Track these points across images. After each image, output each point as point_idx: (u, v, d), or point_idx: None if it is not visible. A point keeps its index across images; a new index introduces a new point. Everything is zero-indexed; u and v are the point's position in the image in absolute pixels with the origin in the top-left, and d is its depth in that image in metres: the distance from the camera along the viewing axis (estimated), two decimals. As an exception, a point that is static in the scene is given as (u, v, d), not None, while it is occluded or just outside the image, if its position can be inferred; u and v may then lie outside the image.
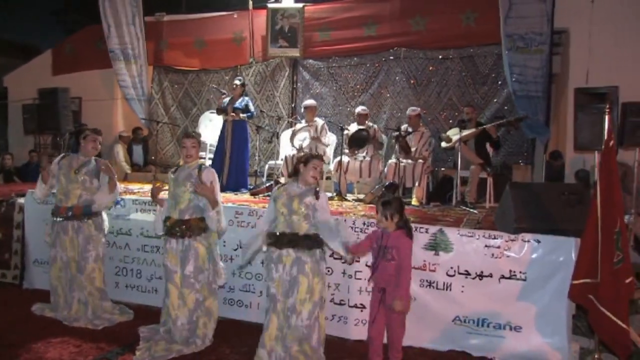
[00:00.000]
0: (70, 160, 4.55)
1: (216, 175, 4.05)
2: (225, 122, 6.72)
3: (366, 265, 4.04)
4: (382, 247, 3.48)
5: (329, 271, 4.23)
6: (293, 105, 8.44)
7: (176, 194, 3.97)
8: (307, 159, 3.66)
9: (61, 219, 4.46)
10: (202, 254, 3.98)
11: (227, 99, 6.72)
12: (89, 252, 4.45)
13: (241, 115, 6.64)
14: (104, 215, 4.63)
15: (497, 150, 6.75)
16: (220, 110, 6.76)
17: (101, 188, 4.52)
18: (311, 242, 3.51)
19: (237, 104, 6.65)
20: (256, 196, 5.85)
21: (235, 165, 6.61)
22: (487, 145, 6.29)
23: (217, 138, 6.84)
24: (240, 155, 6.64)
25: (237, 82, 6.77)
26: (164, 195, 4.13)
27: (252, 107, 6.72)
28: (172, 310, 3.95)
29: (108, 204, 4.60)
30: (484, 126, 6.10)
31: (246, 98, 6.74)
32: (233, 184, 6.51)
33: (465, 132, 6.03)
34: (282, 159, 6.91)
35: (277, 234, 3.55)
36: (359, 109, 6.96)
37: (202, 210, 3.97)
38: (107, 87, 9.57)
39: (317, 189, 3.61)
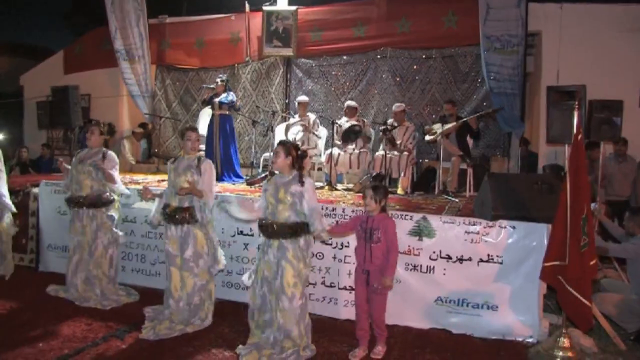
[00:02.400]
0: (82, 153, 4.60)
1: (213, 167, 4.05)
2: (212, 116, 6.73)
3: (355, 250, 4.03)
4: (368, 230, 3.48)
5: (320, 256, 4.25)
6: (287, 101, 8.38)
7: (176, 182, 3.96)
8: (275, 148, 3.63)
9: (76, 207, 4.48)
10: (200, 239, 3.97)
11: (212, 94, 6.71)
12: (99, 238, 4.46)
13: (228, 110, 6.68)
14: (117, 205, 4.62)
15: (477, 142, 6.75)
16: (206, 103, 6.79)
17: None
18: (295, 230, 3.47)
19: (222, 99, 6.64)
20: (252, 186, 5.86)
21: (224, 155, 6.60)
22: (467, 138, 6.29)
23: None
24: (228, 146, 6.64)
25: (218, 80, 6.76)
26: (155, 192, 4.16)
27: (234, 98, 6.72)
28: (175, 291, 3.96)
29: (117, 190, 4.59)
30: (465, 119, 6.09)
31: (230, 93, 6.73)
32: (225, 174, 6.52)
33: (447, 126, 6.01)
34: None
35: (264, 223, 3.55)
36: (348, 102, 6.94)
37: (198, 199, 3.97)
38: (113, 84, 9.49)
39: (302, 175, 3.58)
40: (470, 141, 6.37)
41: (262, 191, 3.69)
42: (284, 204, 3.47)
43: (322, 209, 4.28)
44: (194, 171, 3.93)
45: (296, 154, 3.58)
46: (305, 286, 3.57)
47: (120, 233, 4.60)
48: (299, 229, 3.47)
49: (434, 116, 7.38)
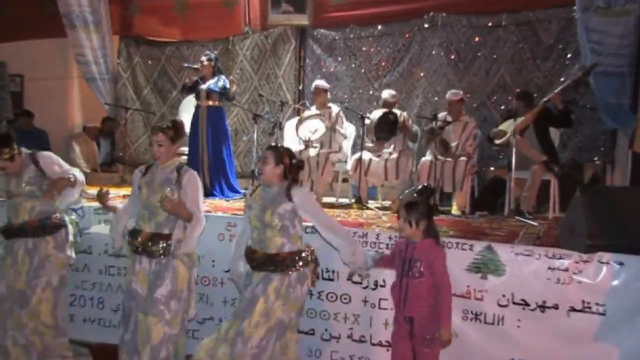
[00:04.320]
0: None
1: (198, 179, 4.08)
2: (198, 108, 6.79)
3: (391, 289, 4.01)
4: (407, 260, 3.52)
5: (345, 299, 4.29)
6: (300, 87, 8.44)
7: (150, 203, 3.97)
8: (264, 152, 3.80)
9: (12, 238, 4.45)
10: (182, 275, 3.99)
11: (197, 78, 6.78)
12: (39, 277, 4.39)
13: (220, 100, 6.78)
14: (70, 228, 4.62)
15: (568, 129, 6.58)
16: (188, 90, 6.85)
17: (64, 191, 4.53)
18: (286, 261, 3.64)
19: (211, 85, 6.71)
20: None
21: (214, 163, 6.68)
22: (552, 133, 6.21)
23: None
24: (220, 149, 6.72)
25: (204, 59, 6.80)
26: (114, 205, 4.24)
27: (227, 84, 6.78)
28: (142, 346, 3.94)
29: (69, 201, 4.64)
30: (545, 99, 6.02)
31: (222, 77, 6.80)
32: (216, 186, 6.59)
33: (519, 120, 5.96)
34: None
35: (249, 253, 3.74)
36: (387, 94, 6.94)
37: (182, 223, 4.01)
38: (59, 62, 9.50)
39: (291, 186, 3.70)
40: (555, 134, 6.27)
41: (246, 208, 3.82)
42: (272, 228, 3.61)
43: None
44: (174, 187, 3.97)
45: (290, 162, 3.73)
46: (279, 339, 3.66)
47: (73, 255, 4.59)
48: (295, 261, 3.65)
49: (502, 107, 7.34)
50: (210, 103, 6.73)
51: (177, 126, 4.14)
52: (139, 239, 3.99)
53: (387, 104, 6.85)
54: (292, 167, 3.74)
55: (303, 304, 3.85)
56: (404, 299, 3.50)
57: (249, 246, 3.79)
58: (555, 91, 6.02)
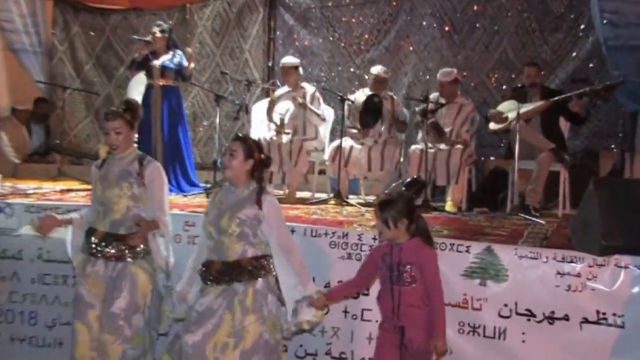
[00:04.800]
0: None
1: (163, 172, 4.09)
2: (150, 88, 6.75)
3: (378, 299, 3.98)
4: (395, 265, 3.50)
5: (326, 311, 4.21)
6: (270, 63, 8.46)
7: (106, 198, 3.96)
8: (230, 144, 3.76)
9: None
10: (143, 284, 3.96)
11: (148, 52, 6.73)
12: None
13: (175, 79, 6.74)
14: None
15: (580, 126, 6.67)
16: (138, 66, 6.79)
17: None
18: (249, 268, 3.61)
19: (165, 62, 6.67)
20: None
21: (170, 153, 6.66)
22: (561, 122, 6.26)
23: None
24: (176, 137, 6.72)
25: (156, 30, 6.74)
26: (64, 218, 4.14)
27: (183, 60, 6.75)
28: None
29: None
30: (556, 99, 6.06)
31: (177, 52, 6.75)
32: (172, 179, 6.54)
33: (527, 108, 6.00)
34: None
35: (203, 265, 3.69)
36: (378, 70, 6.90)
37: None
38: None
39: (263, 190, 3.68)
40: (564, 126, 6.34)
41: (204, 214, 3.79)
42: (228, 235, 3.59)
43: (326, 234, 4.29)
44: (134, 180, 3.97)
45: (259, 158, 3.72)
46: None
47: None
48: (262, 267, 3.64)
49: (504, 87, 7.37)
50: (165, 82, 6.68)
51: (134, 107, 4.14)
52: (93, 239, 3.98)
53: (377, 82, 6.80)
54: (260, 162, 3.72)
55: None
56: (397, 308, 3.48)
57: (205, 260, 3.73)
58: (571, 94, 6.00)
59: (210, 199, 3.85)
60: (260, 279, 3.63)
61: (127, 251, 3.94)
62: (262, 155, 3.73)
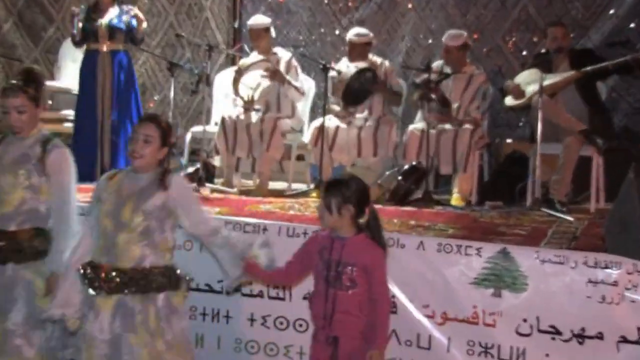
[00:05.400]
0: None
1: (70, 159, 4.05)
2: (93, 54, 6.71)
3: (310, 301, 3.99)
4: (333, 264, 3.48)
5: (302, 326, 4.28)
6: (236, 24, 8.50)
7: None
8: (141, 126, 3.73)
9: None
10: (40, 291, 3.93)
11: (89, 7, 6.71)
12: None
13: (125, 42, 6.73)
14: None
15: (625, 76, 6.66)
16: (86, 36, 6.71)
17: None
18: (150, 279, 3.54)
19: (114, 20, 6.64)
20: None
21: (119, 134, 6.65)
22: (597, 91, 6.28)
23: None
24: (128, 112, 6.72)
25: None
26: None
27: (133, 21, 6.76)
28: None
29: None
30: (589, 68, 6.05)
31: (125, 8, 6.75)
32: (122, 163, 6.48)
33: (552, 79, 5.99)
34: (217, 123, 6.92)
35: (89, 268, 3.57)
36: (353, 34, 6.89)
37: (42, 219, 3.97)
38: None
39: (167, 172, 3.67)
40: (600, 89, 6.33)
41: (93, 201, 3.74)
42: (129, 231, 3.52)
43: (305, 234, 4.27)
44: (33, 168, 3.92)
45: (172, 144, 3.77)
46: None
47: None
48: (168, 282, 3.59)
49: (524, 53, 7.41)
50: (114, 46, 6.65)
51: (38, 79, 4.10)
52: None
53: (354, 51, 6.76)
54: (171, 150, 3.73)
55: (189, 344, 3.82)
56: (330, 315, 3.46)
57: (89, 261, 3.62)
58: (599, 66, 5.99)
59: (103, 182, 3.73)
60: (162, 295, 3.57)
61: (18, 253, 3.91)
62: (174, 140, 3.73)
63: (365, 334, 3.46)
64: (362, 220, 3.50)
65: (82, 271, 3.59)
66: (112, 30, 6.62)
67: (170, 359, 3.56)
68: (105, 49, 6.64)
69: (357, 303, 3.44)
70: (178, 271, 3.66)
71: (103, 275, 3.52)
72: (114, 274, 3.51)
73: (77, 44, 6.94)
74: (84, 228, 3.79)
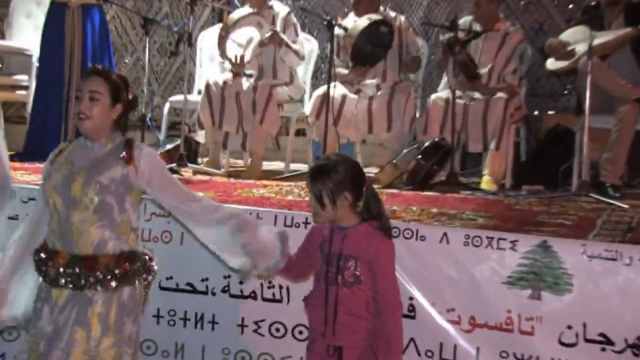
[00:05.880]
0: None
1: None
2: (59, 7, 6.72)
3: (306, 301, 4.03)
4: (334, 257, 3.49)
5: (301, 333, 4.31)
6: (224, -26, 8.41)
7: None
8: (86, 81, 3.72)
9: None
10: None
11: None
12: None
13: None
14: None
15: None
16: None
17: None
18: (111, 269, 3.50)
19: None
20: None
21: None
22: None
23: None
24: None
25: None
26: None
27: None
28: None
29: None
30: None
31: None
32: None
33: (604, 38, 5.95)
34: (200, 91, 6.94)
35: (44, 254, 3.57)
36: None
37: None
38: None
39: (132, 141, 3.65)
40: None
41: (44, 181, 3.71)
42: (82, 209, 3.48)
43: (306, 223, 4.28)
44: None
45: (127, 100, 3.69)
46: None
47: None
48: (132, 270, 3.56)
49: (570, 7, 7.47)
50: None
51: None
52: None
53: (361, 2, 6.76)
54: (128, 107, 3.71)
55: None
56: (332, 320, 3.46)
57: (43, 243, 3.64)
58: None
59: (52, 157, 3.71)
60: (127, 288, 3.55)
61: None
62: (130, 95, 3.67)
63: (373, 345, 3.46)
64: (361, 206, 3.51)
65: (35, 258, 3.60)
66: None
67: (112, 356, 3.53)
68: (75, 1, 6.64)
69: (363, 301, 3.46)
70: (146, 256, 3.63)
71: (60, 262, 3.50)
72: (68, 265, 3.49)
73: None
74: (35, 210, 3.79)
